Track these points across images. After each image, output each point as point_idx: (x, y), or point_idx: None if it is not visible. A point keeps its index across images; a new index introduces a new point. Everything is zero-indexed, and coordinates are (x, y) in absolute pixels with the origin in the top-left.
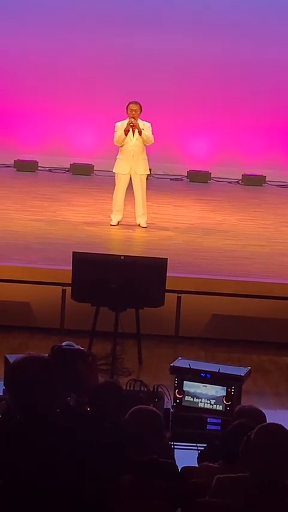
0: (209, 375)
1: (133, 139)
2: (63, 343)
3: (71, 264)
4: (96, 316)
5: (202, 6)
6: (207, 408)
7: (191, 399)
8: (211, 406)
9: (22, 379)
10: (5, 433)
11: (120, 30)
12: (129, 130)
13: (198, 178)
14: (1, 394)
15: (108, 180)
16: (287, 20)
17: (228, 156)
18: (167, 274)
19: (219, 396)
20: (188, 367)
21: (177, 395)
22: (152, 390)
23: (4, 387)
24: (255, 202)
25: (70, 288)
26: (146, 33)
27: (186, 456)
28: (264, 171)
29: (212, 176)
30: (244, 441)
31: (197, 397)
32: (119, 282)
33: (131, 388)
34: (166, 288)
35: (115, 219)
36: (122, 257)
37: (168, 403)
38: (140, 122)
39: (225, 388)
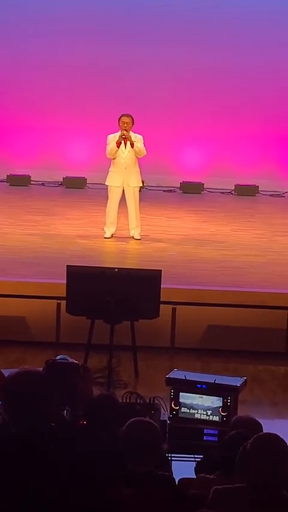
0: (205, 386)
1: (125, 152)
2: (58, 357)
3: (66, 277)
4: (92, 329)
5: (196, 18)
6: (203, 419)
7: (188, 410)
8: (207, 417)
9: (16, 393)
10: (0, 447)
11: (111, 43)
12: (121, 143)
13: (191, 189)
14: None
15: (101, 193)
16: (281, 32)
17: (221, 166)
18: (162, 286)
19: (216, 407)
20: (184, 378)
21: (174, 407)
22: (148, 402)
23: None
24: (248, 212)
25: (65, 301)
26: (137, 46)
27: (183, 468)
28: (257, 181)
29: (204, 187)
30: (240, 451)
31: (194, 409)
32: (113, 294)
33: (127, 401)
34: (161, 300)
35: (109, 231)
36: (116, 269)
37: (165, 415)
38: (132, 134)
39: (221, 398)
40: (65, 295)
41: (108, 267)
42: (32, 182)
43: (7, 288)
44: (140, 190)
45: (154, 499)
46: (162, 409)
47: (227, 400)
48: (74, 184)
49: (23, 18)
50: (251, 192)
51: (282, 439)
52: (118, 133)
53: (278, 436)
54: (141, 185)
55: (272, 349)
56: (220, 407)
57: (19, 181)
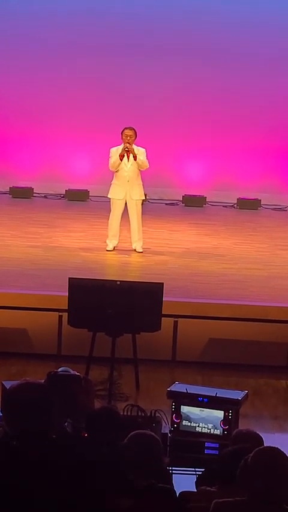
0: (206, 399)
1: (128, 165)
2: (59, 369)
3: (67, 289)
4: (93, 341)
5: (196, 32)
6: (204, 432)
7: (189, 424)
8: (209, 431)
9: (18, 405)
10: (1, 459)
11: (114, 56)
12: (124, 156)
13: (194, 202)
14: None
15: (103, 206)
16: (281, 45)
17: (223, 180)
18: (164, 299)
19: (217, 420)
20: (185, 391)
21: (175, 420)
22: (149, 415)
23: (1, 414)
24: (250, 225)
25: (67, 313)
26: (140, 59)
27: (184, 481)
28: (259, 195)
29: (207, 200)
30: (241, 464)
31: (195, 422)
32: (115, 307)
33: (128, 413)
34: (162, 313)
35: (111, 244)
36: (118, 282)
37: (166, 428)
38: (134, 147)
39: (222, 412)
40: (66, 308)
41: (110, 279)
42: (34, 194)
43: (9, 300)
44: (142, 203)
45: (155, 511)
46: (163, 422)
47: (228, 414)
48: (77, 197)
49: (24, 33)
50: (253, 206)
51: (283, 452)
52: (121, 146)
53: (279, 450)
54: (144, 198)
55: (273, 362)
56: (221, 420)
57: (22, 194)
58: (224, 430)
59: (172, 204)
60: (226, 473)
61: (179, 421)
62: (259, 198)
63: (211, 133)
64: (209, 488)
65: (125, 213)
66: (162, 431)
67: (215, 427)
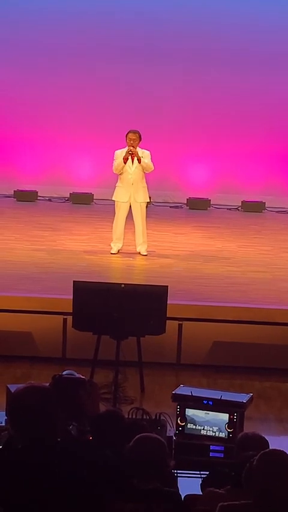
0: (211, 402)
1: (132, 167)
2: (64, 372)
3: (72, 293)
4: (98, 344)
5: (199, 37)
6: (209, 435)
7: (194, 427)
8: (214, 434)
9: (23, 408)
10: (7, 462)
11: (118, 60)
12: (128, 158)
13: (198, 205)
14: (4, 424)
15: (108, 209)
16: (284, 47)
17: (228, 183)
18: (168, 302)
19: (222, 423)
20: (190, 394)
21: (180, 423)
22: (154, 418)
23: (6, 417)
24: (255, 228)
25: (71, 317)
26: (144, 63)
27: (189, 484)
28: (263, 198)
29: (211, 203)
30: (247, 467)
31: (200, 425)
32: (120, 310)
33: (133, 416)
34: (167, 316)
35: (115, 247)
36: (123, 285)
37: (171, 431)
38: (139, 150)
39: (227, 415)
40: (71, 311)
41: (115, 282)
42: (39, 198)
43: (14, 303)
44: (147, 206)
45: None
46: (168, 425)
47: (233, 417)
48: (81, 200)
49: (27, 35)
50: (257, 209)
51: None
52: (125, 149)
53: (284, 453)
54: (149, 201)
55: (278, 365)
56: (226, 423)
57: (26, 197)
58: (229, 433)
59: (176, 207)
60: (236, 476)
61: (184, 424)
62: (263, 201)
63: (215, 136)
64: (216, 490)
65: (130, 216)
66: (167, 435)
67: (220, 430)
